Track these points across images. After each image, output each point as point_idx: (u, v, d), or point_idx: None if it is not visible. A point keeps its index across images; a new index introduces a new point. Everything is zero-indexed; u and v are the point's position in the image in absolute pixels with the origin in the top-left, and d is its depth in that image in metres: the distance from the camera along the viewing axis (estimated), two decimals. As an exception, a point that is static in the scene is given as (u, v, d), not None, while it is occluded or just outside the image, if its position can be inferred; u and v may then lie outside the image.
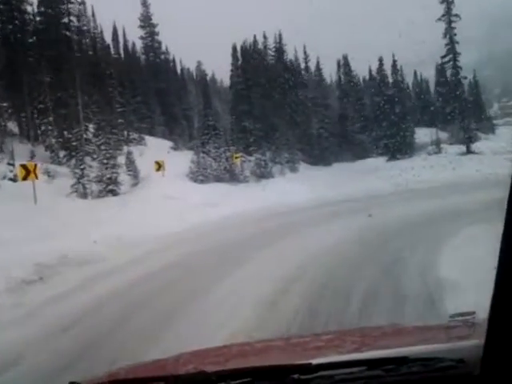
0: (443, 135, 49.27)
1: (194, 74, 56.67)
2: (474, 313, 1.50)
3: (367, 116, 49.67)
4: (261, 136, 30.17)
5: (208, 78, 51.87)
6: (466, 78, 30.49)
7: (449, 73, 30.62)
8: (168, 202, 14.46)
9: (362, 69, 53.17)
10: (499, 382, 0.85)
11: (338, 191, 18.78)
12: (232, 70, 32.59)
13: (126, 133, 29.96)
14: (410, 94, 57.25)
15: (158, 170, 19.20)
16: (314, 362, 1.13)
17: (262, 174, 26.70)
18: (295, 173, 29.74)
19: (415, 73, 63.81)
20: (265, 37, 38.89)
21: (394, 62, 41.17)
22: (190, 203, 14.78)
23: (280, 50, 36.79)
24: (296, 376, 1.08)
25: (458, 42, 30.11)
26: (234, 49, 32.78)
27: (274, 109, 31.82)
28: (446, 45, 30.55)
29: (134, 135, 30.91)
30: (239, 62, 32.73)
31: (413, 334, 1.77)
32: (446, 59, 30.75)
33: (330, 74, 53.38)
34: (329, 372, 1.09)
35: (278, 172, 28.11)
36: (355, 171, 28.27)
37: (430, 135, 49.91)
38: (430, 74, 63.48)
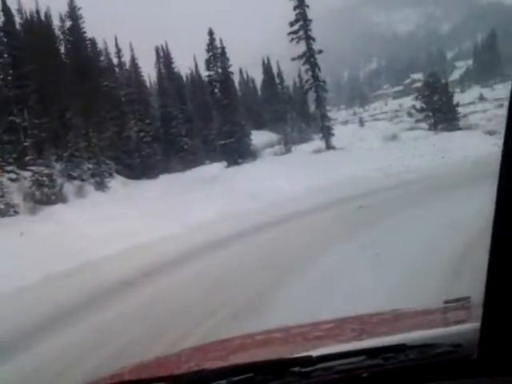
0: (272, 136, 45.48)
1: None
2: (469, 297, 1.47)
3: (196, 116, 42.81)
4: (45, 138, 19.46)
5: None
6: (321, 51, 24.32)
7: (300, 46, 23.88)
8: None
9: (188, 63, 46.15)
10: (497, 364, 0.87)
11: (176, 227, 10.28)
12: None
13: None
14: (238, 93, 52.30)
15: None
16: (314, 353, 1.12)
17: (47, 197, 16.47)
18: (104, 192, 19.97)
19: (241, 71, 59.29)
20: (62, 19, 28.15)
21: (223, 49, 34.50)
22: None
23: (75, 20, 26.20)
24: (297, 369, 1.08)
25: (308, 6, 23.87)
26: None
27: (67, 99, 21.38)
28: (296, 7, 24.11)
29: None
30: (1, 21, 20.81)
31: (411, 319, 1.75)
32: (296, 27, 24.03)
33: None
34: (329, 363, 1.09)
35: (74, 192, 18.08)
36: (190, 185, 19.89)
37: (263, 136, 45.69)
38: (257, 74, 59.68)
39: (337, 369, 1.07)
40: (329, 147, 23.84)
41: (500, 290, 0.82)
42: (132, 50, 38.00)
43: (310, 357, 1.09)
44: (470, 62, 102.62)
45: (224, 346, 1.79)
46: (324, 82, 23.77)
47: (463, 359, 0.98)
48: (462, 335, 1.05)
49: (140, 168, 30.25)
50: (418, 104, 34.05)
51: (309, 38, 23.07)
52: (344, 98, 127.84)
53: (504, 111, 0.78)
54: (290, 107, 52.56)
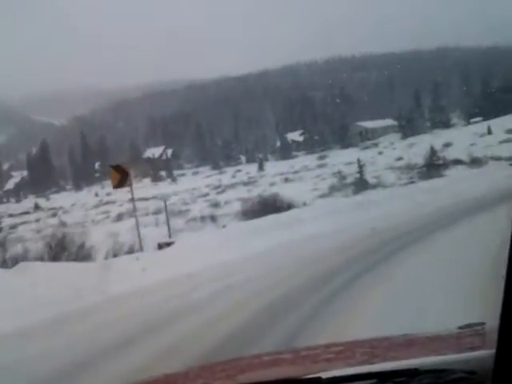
0: None
1: None
2: (483, 323, 1.45)
3: None
4: None
5: None
6: None
7: None
8: None
9: None
10: None
11: None
12: None
13: None
14: None
15: None
16: (324, 375, 1.08)
17: None
18: None
19: None
20: None
21: None
22: None
23: None
24: None
25: None
26: None
27: None
28: None
29: None
30: None
31: (423, 345, 1.64)
32: None
33: None
34: None
35: None
36: None
37: None
38: None
39: None
40: None
41: None
42: None
43: (320, 378, 1.06)
44: (25, 172, 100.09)
45: (232, 366, 1.71)
46: None
47: None
48: (476, 362, 1.01)
49: None
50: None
51: None
52: None
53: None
54: None
